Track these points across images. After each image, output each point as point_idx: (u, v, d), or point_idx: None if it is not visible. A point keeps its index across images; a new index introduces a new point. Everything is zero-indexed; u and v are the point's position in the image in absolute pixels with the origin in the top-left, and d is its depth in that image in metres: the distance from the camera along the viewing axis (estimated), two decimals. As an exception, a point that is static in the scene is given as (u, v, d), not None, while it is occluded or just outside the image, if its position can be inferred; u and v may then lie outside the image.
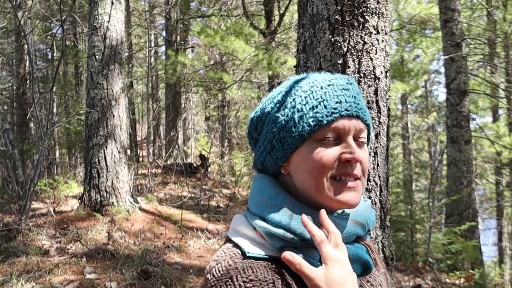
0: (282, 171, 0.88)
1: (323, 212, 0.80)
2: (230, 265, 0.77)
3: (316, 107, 0.82)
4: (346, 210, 0.88)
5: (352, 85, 0.86)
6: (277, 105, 0.87)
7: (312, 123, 0.81)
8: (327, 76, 0.87)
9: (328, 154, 0.81)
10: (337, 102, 0.82)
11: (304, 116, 0.82)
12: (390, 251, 2.03)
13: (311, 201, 0.83)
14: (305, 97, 0.83)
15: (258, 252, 0.79)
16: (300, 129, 0.82)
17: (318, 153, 0.81)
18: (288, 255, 0.74)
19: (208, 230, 6.16)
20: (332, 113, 0.81)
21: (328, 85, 0.84)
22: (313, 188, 0.82)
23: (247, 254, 0.78)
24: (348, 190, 0.82)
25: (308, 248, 0.79)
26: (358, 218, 0.86)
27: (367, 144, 0.89)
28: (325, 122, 0.81)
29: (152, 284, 4.06)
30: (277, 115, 0.86)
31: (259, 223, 0.81)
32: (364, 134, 0.85)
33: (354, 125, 0.83)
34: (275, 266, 0.77)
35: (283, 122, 0.84)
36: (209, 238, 5.89)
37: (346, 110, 0.82)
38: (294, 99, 0.84)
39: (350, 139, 0.82)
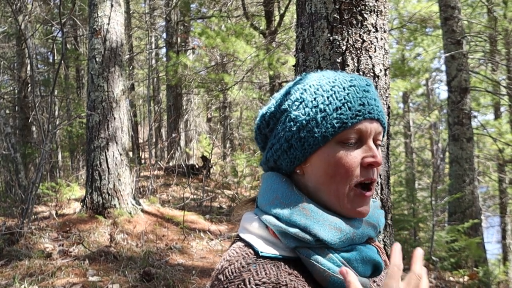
0: (298, 171, 0.85)
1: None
2: (243, 267, 0.74)
3: (340, 108, 0.80)
4: None
5: (370, 86, 0.85)
6: (296, 102, 0.84)
7: (336, 125, 0.79)
8: (347, 76, 0.85)
9: (352, 158, 0.80)
10: (360, 104, 0.81)
11: (327, 116, 0.80)
12: (392, 250, 2.03)
13: (323, 203, 0.82)
14: (328, 97, 0.81)
15: (272, 251, 0.77)
16: (324, 130, 0.80)
17: (341, 157, 0.80)
18: (344, 269, 0.72)
19: (210, 231, 6.15)
20: (356, 115, 0.80)
21: (350, 86, 0.82)
22: (332, 192, 0.80)
23: (261, 254, 0.76)
24: (365, 201, 0.81)
25: (322, 248, 0.77)
26: (370, 220, 0.85)
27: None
28: (349, 124, 0.79)
29: (155, 286, 4.06)
30: (296, 113, 0.83)
31: (273, 221, 0.79)
32: (381, 137, 0.85)
33: (375, 128, 0.82)
34: (288, 266, 0.76)
35: (304, 121, 0.81)
36: (212, 239, 5.89)
37: (369, 112, 0.81)
38: (315, 98, 0.82)
39: (371, 142, 0.81)
